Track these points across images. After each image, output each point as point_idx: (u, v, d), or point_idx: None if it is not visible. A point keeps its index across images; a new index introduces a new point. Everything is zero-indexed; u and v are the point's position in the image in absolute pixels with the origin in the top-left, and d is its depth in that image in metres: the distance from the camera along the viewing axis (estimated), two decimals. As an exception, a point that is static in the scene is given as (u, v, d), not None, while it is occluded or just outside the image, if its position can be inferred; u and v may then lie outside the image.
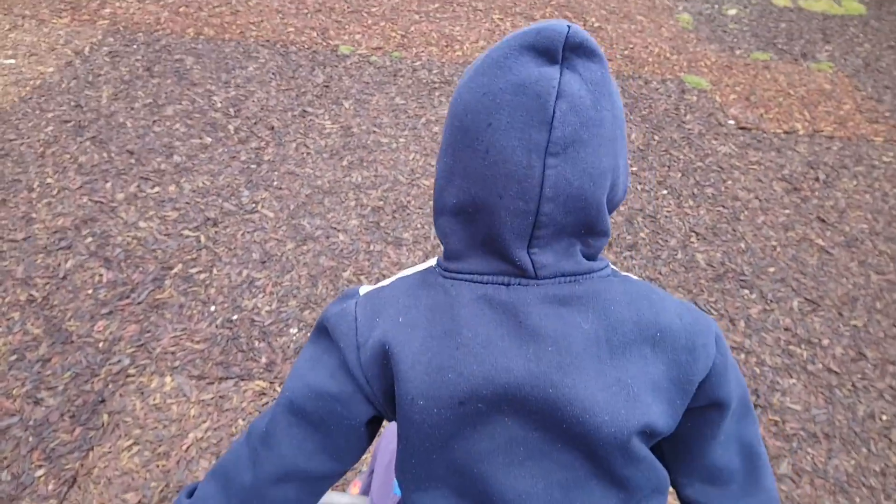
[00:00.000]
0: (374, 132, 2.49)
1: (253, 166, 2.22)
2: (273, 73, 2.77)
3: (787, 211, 2.27)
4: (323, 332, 0.61)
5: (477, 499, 0.59)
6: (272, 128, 2.43)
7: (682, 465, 0.66)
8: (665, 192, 2.32)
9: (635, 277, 0.62)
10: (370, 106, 2.64)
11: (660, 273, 1.97)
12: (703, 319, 0.61)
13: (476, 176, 0.54)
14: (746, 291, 1.92)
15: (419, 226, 2.06)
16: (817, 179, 2.45)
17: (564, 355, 0.55)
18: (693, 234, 2.14)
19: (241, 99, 2.58)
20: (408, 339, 0.57)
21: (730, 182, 2.39)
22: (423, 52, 3.11)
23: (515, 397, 0.55)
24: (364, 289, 0.63)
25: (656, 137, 2.63)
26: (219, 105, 2.52)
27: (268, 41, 3.01)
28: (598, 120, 0.52)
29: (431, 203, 1.75)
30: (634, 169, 2.43)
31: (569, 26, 0.52)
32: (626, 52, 3.26)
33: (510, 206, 0.54)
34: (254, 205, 2.04)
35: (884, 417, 1.57)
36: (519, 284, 0.56)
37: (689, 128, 2.71)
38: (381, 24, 3.29)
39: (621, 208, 2.22)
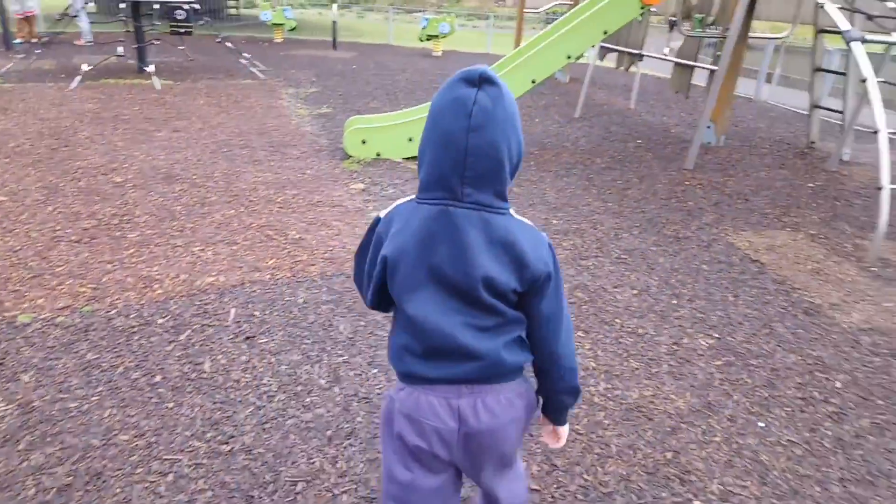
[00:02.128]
0: (61, 399, 2.28)
1: None
2: (-74, 367, 2.42)
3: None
4: (370, 231, 1.23)
5: (423, 338, 1.15)
6: (-80, 432, 2.08)
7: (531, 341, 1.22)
8: (375, 370, 2.50)
9: (521, 220, 1.15)
10: (56, 371, 2.44)
11: (378, 453, 2.05)
12: (539, 237, 1.16)
13: (438, 142, 1.08)
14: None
15: (119, 489, 1.88)
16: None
17: (463, 246, 1.09)
18: (403, 403, 2.30)
19: None
20: (396, 233, 1.14)
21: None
22: (118, 299, 3.03)
23: (440, 269, 1.11)
24: (383, 212, 1.21)
25: (362, 322, 2.87)
26: None
27: (-80, 332, 2.66)
28: (493, 115, 1.04)
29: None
30: (344, 357, 2.58)
31: (481, 69, 1.05)
32: (326, 256, 3.59)
33: (451, 157, 1.06)
34: None
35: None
36: (452, 206, 1.09)
37: (389, 307, 3.02)
38: (69, 282, 3.16)
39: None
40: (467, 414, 1.15)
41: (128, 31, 9.23)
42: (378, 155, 5.74)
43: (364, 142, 5.69)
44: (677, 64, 7.01)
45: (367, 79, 10.60)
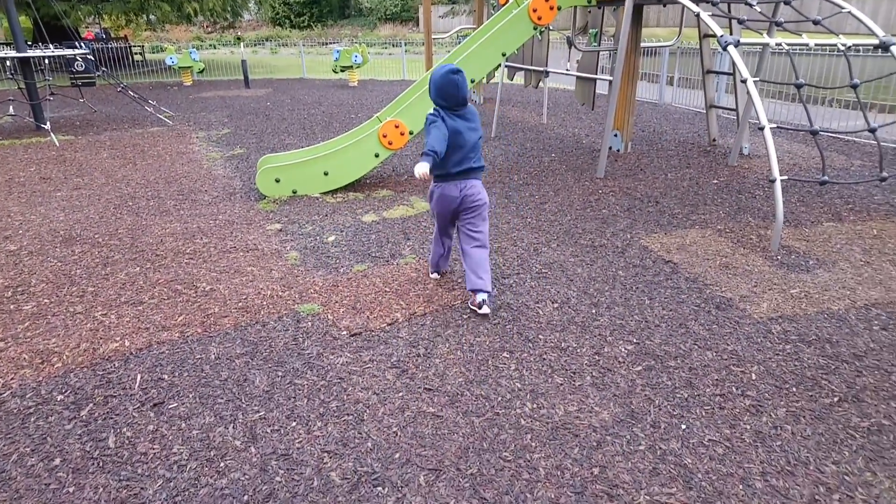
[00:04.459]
0: (-59, 503, 2.05)
1: None
2: None
3: (400, 394, 2.53)
4: (434, 118, 3.13)
5: (461, 153, 3.17)
6: None
7: None
8: (294, 423, 2.39)
9: (473, 107, 3.27)
10: (-65, 471, 2.19)
11: (299, 511, 1.94)
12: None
13: (446, 96, 3.10)
14: (379, 489, 2.01)
15: None
16: (419, 355, 2.83)
17: (472, 122, 3.19)
18: (325, 454, 2.20)
19: None
20: (447, 119, 3.12)
21: (350, 388, 2.59)
22: (12, 379, 2.79)
23: (465, 133, 3.14)
24: (429, 112, 3.16)
25: (279, 373, 2.74)
26: None
27: None
28: (464, 83, 3.10)
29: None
30: (261, 412, 2.46)
31: (455, 67, 3.10)
32: (240, 305, 3.44)
33: (454, 98, 3.11)
34: None
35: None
36: (461, 109, 3.16)
37: (309, 352, 2.91)
38: (-47, 367, 2.89)
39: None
40: (464, 187, 3.17)
41: (19, 89, 8.76)
42: (294, 192, 5.62)
43: (278, 180, 5.56)
44: (579, 77, 7.26)
45: (283, 115, 10.45)
